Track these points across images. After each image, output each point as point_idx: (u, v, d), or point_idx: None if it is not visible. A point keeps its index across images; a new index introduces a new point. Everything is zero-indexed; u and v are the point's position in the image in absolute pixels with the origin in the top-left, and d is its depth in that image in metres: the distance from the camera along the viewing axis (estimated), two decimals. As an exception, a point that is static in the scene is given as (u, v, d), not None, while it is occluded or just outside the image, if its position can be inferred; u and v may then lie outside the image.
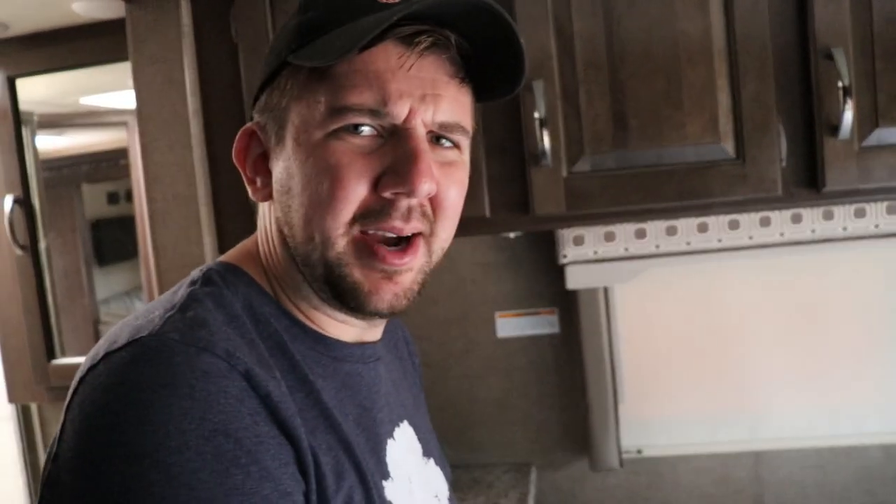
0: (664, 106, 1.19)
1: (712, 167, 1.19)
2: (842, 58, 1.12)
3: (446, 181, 0.65)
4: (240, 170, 0.71)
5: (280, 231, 0.68)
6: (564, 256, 1.49)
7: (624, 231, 1.46)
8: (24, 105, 1.69)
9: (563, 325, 1.67)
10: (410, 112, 0.62)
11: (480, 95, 0.69)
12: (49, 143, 1.77)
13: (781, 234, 1.43)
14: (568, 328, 1.66)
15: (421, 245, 0.65)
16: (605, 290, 1.60)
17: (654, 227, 1.45)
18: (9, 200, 1.67)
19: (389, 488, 0.68)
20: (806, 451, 1.62)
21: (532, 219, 1.26)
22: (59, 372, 1.72)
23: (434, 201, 0.65)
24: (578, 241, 1.47)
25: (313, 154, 0.63)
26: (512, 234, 1.61)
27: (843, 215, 1.41)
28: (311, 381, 0.64)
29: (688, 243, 1.45)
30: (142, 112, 1.38)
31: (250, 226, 1.34)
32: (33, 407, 1.94)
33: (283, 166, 0.65)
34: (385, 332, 0.78)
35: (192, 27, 1.37)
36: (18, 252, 1.69)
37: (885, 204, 1.39)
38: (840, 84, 1.12)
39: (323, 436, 0.62)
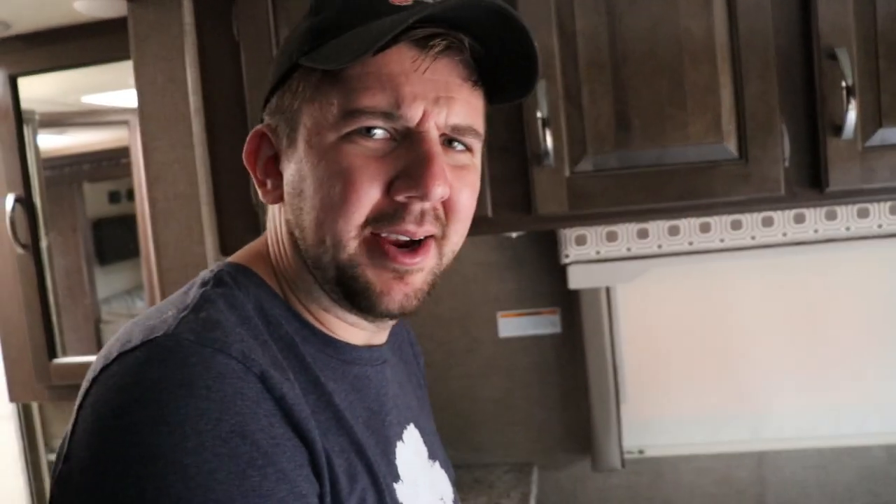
0: (667, 105, 1.19)
1: (715, 167, 1.19)
2: (845, 57, 1.12)
3: (459, 184, 0.65)
4: (250, 172, 0.70)
5: (291, 233, 0.67)
6: (566, 256, 1.49)
7: (626, 231, 1.46)
8: (25, 104, 1.69)
9: (565, 325, 1.67)
10: (424, 115, 0.62)
11: (492, 98, 0.69)
12: (50, 142, 1.77)
13: (784, 235, 1.43)
14: (570, 328, 1.66)
15: (432, 247, 0.65)
16: (608, 289, 1.60)
17: (657, 227, 1.45)
18: (10, 199, 1.66)
19: (400, 490, 0.68)
20: (808, 452, 1.62)
21: (534, 218, 1.26)
22: (59, 371, 1.72)
23: (446, 205, 0.64)
24: (581, 240, 1.47)
25: (326, 157, 0.62)
26: (514, 234, 1.61)
27: (847, 215, 1.40)
28: (323, 384, 0.64)
29: (690, 243, 1.45)
30: (143, 111, 1.38)
31: (252, 225, 1.36)
32: (34, 406, 1.94)
33: (295, 169, 0.65)
34: (390, 333, 0.78)
35: (193, 26, 1.37)
36: (20, 251, 1.69)
37: (888, 204, 1.39)
38: (843, 84, 1.12)
39: (336, 438, 0.62)
